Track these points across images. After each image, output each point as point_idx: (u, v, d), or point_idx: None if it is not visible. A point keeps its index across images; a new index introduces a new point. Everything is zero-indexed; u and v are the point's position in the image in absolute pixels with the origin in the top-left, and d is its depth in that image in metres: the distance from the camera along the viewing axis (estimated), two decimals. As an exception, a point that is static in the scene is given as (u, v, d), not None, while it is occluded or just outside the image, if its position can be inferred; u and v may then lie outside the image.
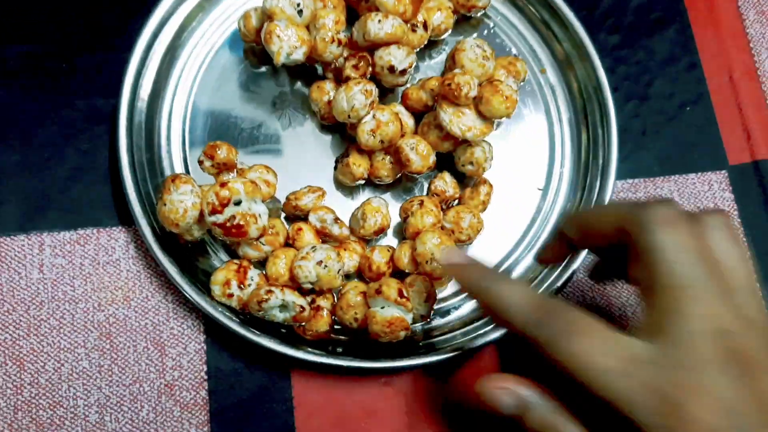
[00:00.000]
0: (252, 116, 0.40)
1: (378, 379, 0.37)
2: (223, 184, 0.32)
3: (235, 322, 0.34)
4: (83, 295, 0.37)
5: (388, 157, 0.38)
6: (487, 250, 0.39)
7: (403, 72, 0.38)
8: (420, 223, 0.36)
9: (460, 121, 0.36)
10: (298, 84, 0.41)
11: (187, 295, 0.34)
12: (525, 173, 0.41)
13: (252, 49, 0.41)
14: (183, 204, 0.32)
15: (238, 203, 0.32)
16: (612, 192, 0.39)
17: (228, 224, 0.32)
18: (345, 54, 0.38)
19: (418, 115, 0.39)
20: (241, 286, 0.34)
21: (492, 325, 0.36)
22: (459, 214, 0.37)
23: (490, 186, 0.39)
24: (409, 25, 0.37)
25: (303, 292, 0.35)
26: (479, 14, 0.42)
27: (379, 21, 0.36)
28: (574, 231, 0.32)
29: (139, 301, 0.37)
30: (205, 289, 0.35)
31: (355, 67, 0.37)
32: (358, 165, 0.37)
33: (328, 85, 0.38)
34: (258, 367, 0.36)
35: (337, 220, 0.37)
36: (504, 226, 0.40)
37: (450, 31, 0.41)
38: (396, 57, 0.37)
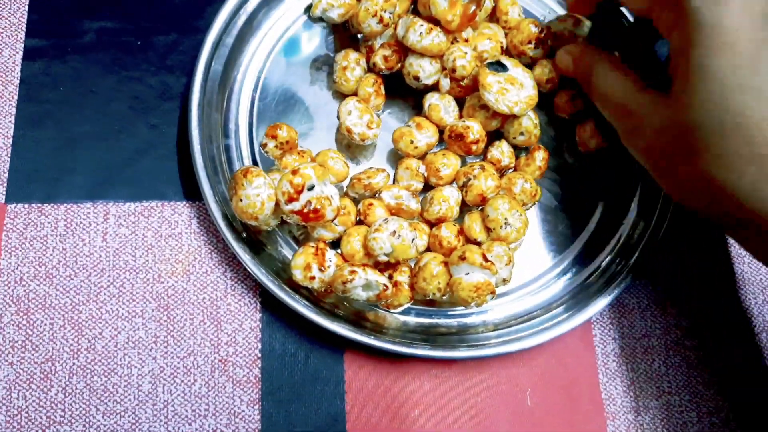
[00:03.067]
0: (314, 96, 0.41)
1: (430, 371, 0.37)
2: (294, 172, 0.32)
3: (294, 299, 0.35)
4: (144, 265, 0.37)
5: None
6: (536, 255, 0.40)
7: (426, 86, 0.39)
8: (484, 185, 0.37)
9: (505, 98, 0.36)
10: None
11: (249, 269, 0.35)
12: (583, 183, 0.41)
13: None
14: (259, 197, 0.33)
15: (311, 188, 0.33)
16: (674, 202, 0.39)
17: (305, 210, 0.32)
18: (384, 38, 0.39)
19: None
20: (322, 268, 0.34)
21: (552, 322, 0.36)
22: (511, 179, 0.38)
23: (546, 152, 0.39)
24: (450, 36, 0.38)
25: (378, 268, 0.35)
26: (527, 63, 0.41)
27: (421, 34, 0.36)
28: None
29: (198, 275, 0.37)
30: (265, 265, 0.35)
31: (386, 58, 0.38)
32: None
33: (354, 55, 0.39)
34: (312, 349, 0.36)
35: (414, 194, 0.37)
36: (558, 233, 0.40)
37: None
38: (424, 70, 0.38)
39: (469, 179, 0.37)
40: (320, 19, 0.39)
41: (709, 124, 0.28)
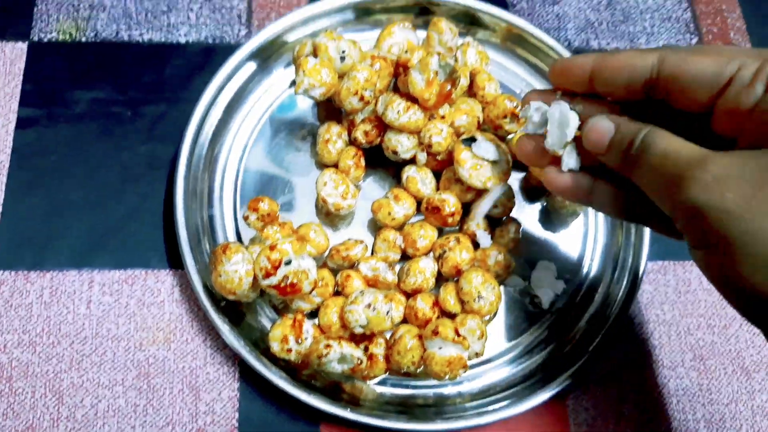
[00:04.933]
0: (299, 166, 0.42)
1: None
2: (272, 247, 0.33)
3: (270, 371, 0.35)
4: (126, 333, 0.38)
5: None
6: (511, 326, 0.41)
7: (404, 159, 0.40)
8: (458, 258, 0.38)
9: (478, 173, 0.38)
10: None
11: (226, 340, 0.36)
12: (557, 252, 0.42)
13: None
14: (237, 273, 0.34)
15: (288, 263, 0.34)
16: (644, 272, 0.40)
17: (282, 284, 0.34)
18: (366, 113, 0.40)
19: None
20: (299, 340, 0.35)
21: (532, 393, 0.37)
22: (485, 252, 0.39)
23: (518, 224, 0.40)
24: (428, 113, 0.39)
25: (355, 339, 0.36)
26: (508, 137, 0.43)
27: (398, 112, 0.38)
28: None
29: (179, 343, 0.38)
30: (244, 335, 0.36)
31: (366, 133, 0.40)
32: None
33: (335, 129, 0.41)
34: (289, 420, 0.37)
35: (390, 266, 0.38)
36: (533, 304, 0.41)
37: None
38: (402, 145, 0.39)
39: (445, 251, 0.38)
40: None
41: None
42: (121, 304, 0.38)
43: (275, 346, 0.35)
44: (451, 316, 0.38)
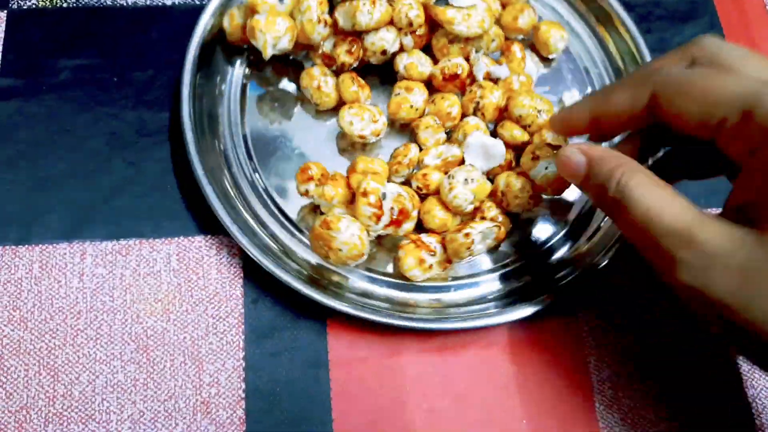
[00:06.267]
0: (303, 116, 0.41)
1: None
2: (365, 193, 0.33)
3: (282, 271, 0.34)
4: (122, 306, 0.36)
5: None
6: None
7: (393, 54, 0.39)
8: (494, 99, 0.38)
9: (472, 21, 0.37)
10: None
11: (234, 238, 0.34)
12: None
13: (243, 51, 0.41)
14: (354, 236, 0.33)
15: (384, 196, 0.33)
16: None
17: (393, 218, 0.33)
18: (332, 39, 0.39)
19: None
20: (432, 253, 0.35)
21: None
22: (507, 81, 0.39)
23: (520, 44, 0.41)
24: None
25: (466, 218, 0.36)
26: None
27: (369, 11, 0.36)
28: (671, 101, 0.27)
29: (178, 314, 0.36)
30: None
31: (349, 51, 0.38)
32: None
33: (316, 71, 0.39)
34: (297, 390, 0.35)
35: (450, 142, 0.38)
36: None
37: None
38: (387, 41, 0.38)
39: (478, 102, 0.38)
40: (281, 57, 0.38)
41: None
42: (116, 276, 0.36)
43: (417, 273, 0.35)
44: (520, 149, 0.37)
